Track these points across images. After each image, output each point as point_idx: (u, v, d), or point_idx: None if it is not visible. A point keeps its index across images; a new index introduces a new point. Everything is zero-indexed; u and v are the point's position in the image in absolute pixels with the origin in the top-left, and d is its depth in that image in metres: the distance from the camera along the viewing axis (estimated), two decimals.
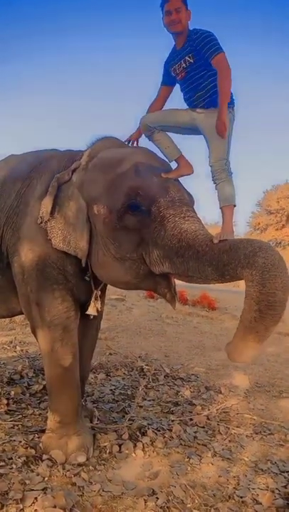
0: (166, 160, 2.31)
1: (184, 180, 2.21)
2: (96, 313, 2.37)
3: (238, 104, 2.26)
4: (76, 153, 2.37)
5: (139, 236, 1.99)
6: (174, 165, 2.29)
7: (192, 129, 2.32)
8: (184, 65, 2.27)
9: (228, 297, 9.28)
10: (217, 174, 2.15)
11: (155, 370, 4.12)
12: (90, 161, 2.19)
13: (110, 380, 3.73)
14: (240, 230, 34.44)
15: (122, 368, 4.06)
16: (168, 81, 2.44)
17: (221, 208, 2.16)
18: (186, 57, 2.25)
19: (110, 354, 4.59)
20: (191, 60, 2.24)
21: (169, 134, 2.36)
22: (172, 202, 1.97)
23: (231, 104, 2.21)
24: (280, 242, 30.50)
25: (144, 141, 2.48)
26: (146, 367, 4.14)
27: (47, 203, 2.14)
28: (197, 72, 2.25)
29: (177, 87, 2.45)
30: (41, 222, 2.15)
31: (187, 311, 8.38)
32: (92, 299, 2.33)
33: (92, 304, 2.33)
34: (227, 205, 2.14)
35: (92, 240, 2.12)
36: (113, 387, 3.53)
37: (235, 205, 2.16)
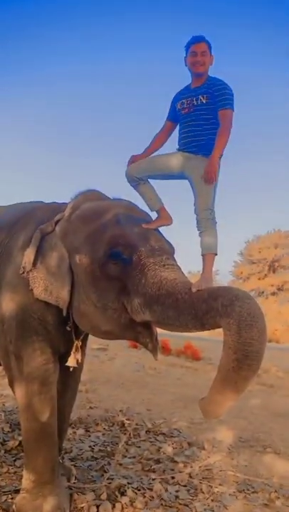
0: (149, 210, 2.39)
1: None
2: (76, 365, 2.33)
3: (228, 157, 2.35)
4: (60, 205, 2.43)
5: (121, 285, 2.00)
6: (154, 215, 2.36)
7: (178, 175, 2.38)
8: (194, 102, 2.34)
9: (212, 346, 9.17)
10: (202, 223, 2.20)
11: (136, 424, 4.00)
12: (73, 213, 2.24)
13: (90, 435, 3.60)
14: (223, 278, 34.82)
15: (103, 423, 3.93)
16: (173, 117, 2.49)
17: (202, 256, 2.20)
18: (200, 96, 2.32)
19: (91, 408, 4.47)
20: (204, 101, 2.31)
21: (152, 184, 2.43)
22: (152, 251, 2.01)
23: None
24: (262, 292, 30.88)
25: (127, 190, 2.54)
26: (128, 421, 4.02)
27: (29, 254, 2.16)
28: (204, 114, 2.31)
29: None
30: (23, 272, 2.17)
31: (170, 361, 8.28)
32: (73, 349, 2.30)
33: (72, 355, 2.29)
34: (208, 253, 2.19)
35: (73, 289, 2.12)
36: (92, 444, 3.40)
37: (216, 254, 2.20)
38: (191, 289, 1.84)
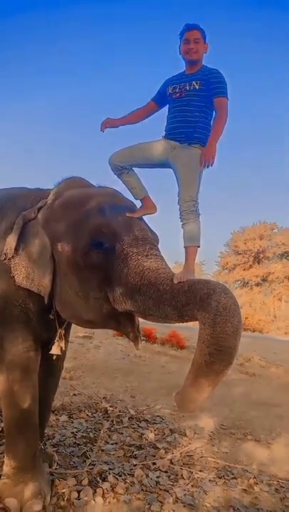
0: (133, 199, 2.36)
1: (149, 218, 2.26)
2: (60, 353, 2.31)
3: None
4: (44, 192, 2.38)
5: (103, 274, 1.98)
6: (139, 204, 2.33)
7: (163, 164, 2.35)
8: (187, 87, 2.31)
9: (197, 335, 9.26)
10: (185, 214, 2.18)
11: (120, 411, 4.02)
12: (56, 200, 2.21)
13: (72, 422, 3.61)
14: (209, 269, 35.05)
15: (86, 410, 3.94)
16: (159, 100, 2.46)
17: (185, 247, 2.17)
18: (194, 82, 2.29)
19: (74, 395, 4.46)
20: (197, 87, 2.28)
21: (137, 173, 2.40)
22: (135, 240, 1.99)
23: (204, 144, 2.23)
24: (247, 282, 31.15)
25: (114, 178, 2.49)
26: (111, 408, 4.04)
27: (11, 240, 2.13)
28: (196, 100, 2.28)
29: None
30: (5, 259, 2.13)
31: (155, 349, 8.32)
32: (57, 338, 2.28)
33: (56, 343, 2.28)
34: (191, 245, 2.17)
35: (55, 277, 2.10)
36: (75, 430, 3.41)
37: (199, 246, 2.19)
38: (173, 280, 1.83)
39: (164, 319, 1.86)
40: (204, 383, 1.68)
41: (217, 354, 1.62)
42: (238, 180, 58.89)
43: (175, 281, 1.81)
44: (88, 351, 7.12)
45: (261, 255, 31.24)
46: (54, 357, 2.34)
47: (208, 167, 2.15)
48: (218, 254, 33.34)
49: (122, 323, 2.07)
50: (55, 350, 2.29)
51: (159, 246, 2.15)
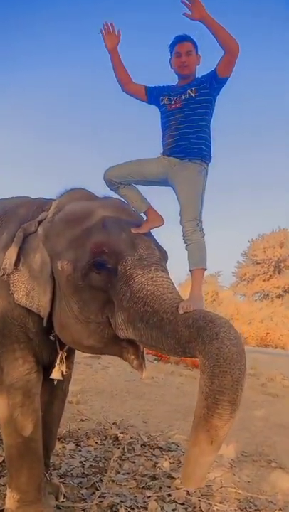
0: None
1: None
2: (61, 378, 2.31)
3: (220, 157, 2.31)
4: (46, 202, 2.40)
5: (105, 297, 1.97)
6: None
7: (162, 182, 2.33)
8: (183, 97, 2.29)
9: None
10: (188, 235, 2.15)
11: (131, 438, 3.99)
12: (57, 213, 2.22)
13: (80, 450, 3.58)
14: (226, 280, 34.92)
15: (95, 437, 3.91)
16: (151, 94, 2.42)
17: (190, 271, 2.15)
18: (189, 90, 2.27)
19: (82, 420, 4.43)
20: (193, 94, 2.26)
21: (134, 185, 2.38)
22: (140, 260, 1.96)
23: (206, 159, 2.25)
24: (267, 294, 30.94)
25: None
26: (122, 435, 4.00)
27: (11, 254, 2.13)
28: (194, 109, 2.25)
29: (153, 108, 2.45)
30: (3, 275, 2.14)
31: (169, 369, 8.26)
32: (57, 361, 2.28)
33: (56, 367, 2.27)
34: (197, 269, 2.13)
35: (55, 297, 2.10)
36: (83, 459, 3.38)
37: (205, 269, 2.16)
38: (178, 308, 1.78)
39: (167, 352, 1.83)
40: (205, 441, 1.60)
41: (214, 408, 1.57)
42: (255, 182, 58.88)
43: (180, 311, 1.77)
44: (96, 372, 7.10)
45: (282, 264, 31.07)
46: (55, 382, 2.34)
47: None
48: (235, 264, 33.25)
49: (125, 349, 2.05)
50: (55, 374, 2.28)
51: (167, 263, 2.15)
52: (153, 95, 2.42)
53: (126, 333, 1.92)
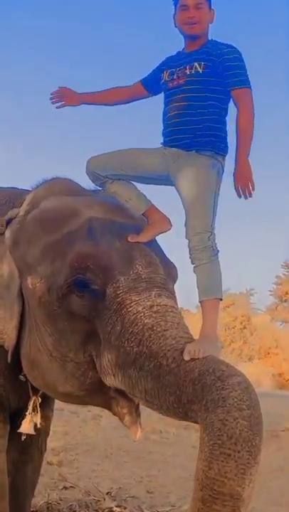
0: None
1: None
2: (33, 432, 2.26)
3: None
4: (21, 193, 2.42)
5: (88, 328, 1.93)
6: None
7: (161, 179, 2.31)
8: (188, 71, 2.23)
9: None
10: (197, 253, 2.07)
11: None
12: (30, 211, 2.19)
13: None
14: (261, 300, 34.74)
15: (82, 511, 3.84)
16: (149, 83, 2.45)
17: (200, 302, 2.08)
18: (196, 64, 2.21)
19: (65, 488, 4.38)
20: (200, 70, 2.20)
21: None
22: (136, 281, 1.90)
23: (223, 151, 2.21)
24: None
25: None
26: (118, 509, 3.92)
27: None
28: (200, 88, 2.21)
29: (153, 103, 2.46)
30: None
31: (182, 422, 8.16)
32: (29, 410, 2.24)
33: (28, 417, 2.24)
34: (208, 299, 2.06)
35: (24, 323, 2.07)
36: None
37: (221, 299, 2.10)
38: (184, 353, 1.70)
39: (165, 412, 1.75)
40: None
41: (210, 503, 1.47)
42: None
43: (186, 357, 1.68)
44: (85, 423, 7.13)
45: None
46: (23, 437, 2.28)
47: (246, 198, 2.07)
48: (273, 279, 32.83)
49: (115, 400, 1.99)
50: (25, 427, 2.24)
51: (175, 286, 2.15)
52: (153, 80, 2.42)
53: (112, 381, 1.85)
